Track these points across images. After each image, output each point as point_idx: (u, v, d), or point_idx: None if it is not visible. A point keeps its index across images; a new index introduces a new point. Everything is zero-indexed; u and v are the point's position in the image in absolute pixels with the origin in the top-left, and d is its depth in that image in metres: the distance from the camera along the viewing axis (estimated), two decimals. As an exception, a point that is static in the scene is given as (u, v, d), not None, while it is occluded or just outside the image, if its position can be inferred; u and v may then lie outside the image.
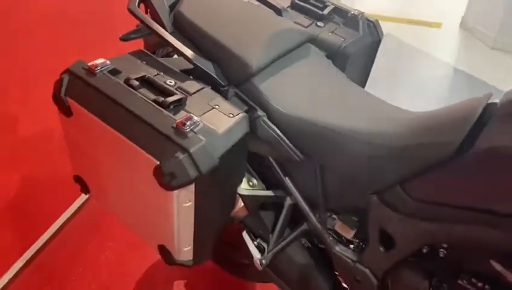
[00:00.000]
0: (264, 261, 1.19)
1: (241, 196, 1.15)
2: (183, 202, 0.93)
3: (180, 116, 0.93)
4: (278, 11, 1.32)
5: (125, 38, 1.20)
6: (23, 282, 1.79)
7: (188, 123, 0.91)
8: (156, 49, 1.34)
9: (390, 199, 0.99)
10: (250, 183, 1.20)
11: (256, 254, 1.20)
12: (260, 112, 1.08)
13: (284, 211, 1.19)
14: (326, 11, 1.37)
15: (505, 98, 0.83)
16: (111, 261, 1.86)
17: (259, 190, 1.18)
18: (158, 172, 0.88)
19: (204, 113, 0.98)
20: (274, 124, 1.08)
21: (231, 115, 0.99)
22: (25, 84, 1.52)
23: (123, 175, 1.00)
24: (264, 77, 1.11)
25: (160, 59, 1.13)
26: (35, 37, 1.57)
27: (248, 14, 1.23)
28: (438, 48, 3.54)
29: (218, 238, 1.14)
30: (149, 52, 1.15)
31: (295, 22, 1.33)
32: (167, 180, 0.88)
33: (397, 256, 1.04)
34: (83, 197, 2.06)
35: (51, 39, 1.63)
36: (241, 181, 1.15)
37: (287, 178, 1.17)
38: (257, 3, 1.37)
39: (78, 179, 1.20)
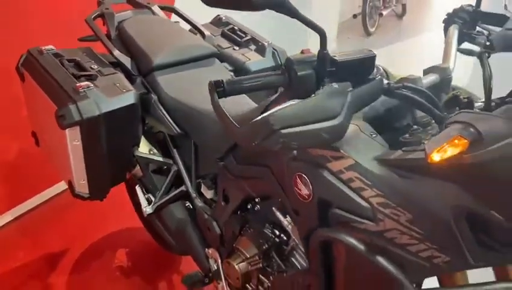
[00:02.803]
0: (148, 210, 1.57)
1: (136, 157, 1.55)
2: (73, 140, 1.36)
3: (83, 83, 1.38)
4: (203, 35, 1.77)
5: (82, 40, 1.70)
6: (8, 231, 2.27)
7: (84, 87, 1.35)
8: None
9: (227, 164, 1.36)
10: (151, 152, 1.61)
11: (144, 203, 1.59)
12: (153, 96, 1.50)
13: (170, 175, 1.57)
14: (243, 40, 1.79)
15: None
16: (83, 228, 2.29)
17: (152, 155, 1.58)
18: (56, 115, 1.33)
19: (105, 86, 1.42)
20: (162, 106, 1.49)
21: (123, 90, 1.43)
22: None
23: (47, 124, 1.45)
24: (164, 72, 1.54)
25: (98, 54, 1.61)
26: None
27: (170, 30, 1.69)
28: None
29: (115, 183, 1.55)
30: (93, 49, 1.63)
31: (218, 45, 1.76)
32: (60, 120, 1.32)
33: (230, 209, 1.39)
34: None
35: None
36: (137, 145, 1.56)
37: (174, 150, 1.57)
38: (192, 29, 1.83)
39: (33, 134, 1.67)
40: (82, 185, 1.47)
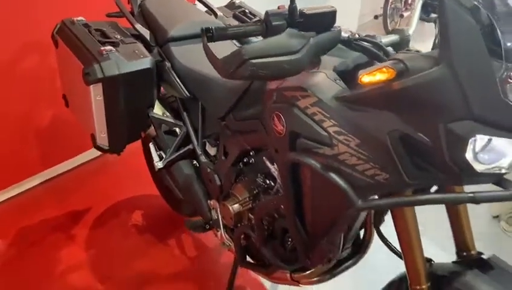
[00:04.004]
0: (159, 165, 1.78)
1: (151, 117, 1.77)
2: (96, 96, 1.58)
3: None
4: (216, 15, 1.97)
5: (109, 15, 1.92)
6: (37, 192, 2.53)
7: (108, 51, 1.58)
8: None
9: (228, 122, 1.55)
10: (165, 115, 1.82)
11: (156, 158, 1.80)
12: (167, 63, 1.72)
13: (179, 135, 1.78)
14: (252, 21, 1.99)
15: None
16: (105, 192, 2.54)
17: (165, 117, 1.79)
18: (83, 72, 1.55)
19: (126, 52, 1.64)
20: (175, 73, 1.70)
21: (141, 56, 1.64)
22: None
23: (75, 83, 1.68)
24: (178, 44, 1.75)
25: (122, 27, 1.83)
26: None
27: (186, 9, 1.90)
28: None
29: (132, 140, 1.77)
30: (118, 23, 1.86)
31: (228, 24, 1.96)
32: (86, 77, 1.54)
33: (229, 163, 1.58)
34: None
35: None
36: (152, 107, 1.77)
37: (184, 113, 1.77)
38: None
39: (64, 96, 1.91)
40: (103, 138, 1.69)
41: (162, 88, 1.82)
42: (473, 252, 1.15)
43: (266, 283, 1.94)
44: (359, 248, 1.40)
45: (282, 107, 1.09)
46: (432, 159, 0.89)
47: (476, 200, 0.89)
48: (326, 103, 1.00)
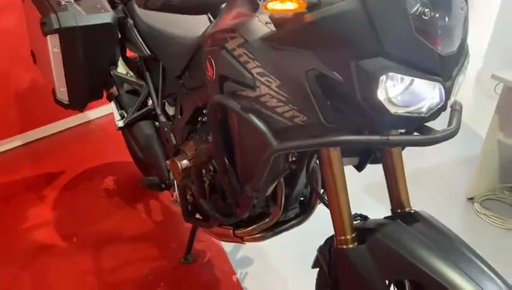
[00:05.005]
0: (120, 124, 1.78)
1: (112, 75, 1.76)
2: (53, 47, 1.57)
3: None
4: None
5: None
6: (15, 153, 2.55)
7: (66, 2, 1.57)
8: None
9: (184, 80, 1.54)
10: (129, 75, 1.81)
11: (117, 117, 1.80)
12: (130, 20, 1.70)
13: (141, 95, 1.77)
14: None
15: None
16: (81, 158, 2.55)
17: (128, 76, 1.79)
18: (40, 23, 1.55)
19: (87, 6, 1.63)
20: (137, 30, 1.69)
21: (102, 11, 1.63)
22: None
23: (37, 36, 1.68)
24: None
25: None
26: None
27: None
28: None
29: (93, 98, 1.76)
30: None
31: None
32: (43, 27, 1.54)
33: (183, 121, 1.57)
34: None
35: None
36: (115, 65, 1.76)
37: (147, 72, 1.76)
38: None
39: (32, 53, 1.91)
40: (62, 92, 1.69)
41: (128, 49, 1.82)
42: (407, 209, 1.12)
43: (226, 247, 1.93)
44: (305, 209, 1.38)
45: (213, 51, 1.07)
46: (348, 100, 0.87)
47: (389, 143, 0.87)
48: (252, 44, 0.98)
